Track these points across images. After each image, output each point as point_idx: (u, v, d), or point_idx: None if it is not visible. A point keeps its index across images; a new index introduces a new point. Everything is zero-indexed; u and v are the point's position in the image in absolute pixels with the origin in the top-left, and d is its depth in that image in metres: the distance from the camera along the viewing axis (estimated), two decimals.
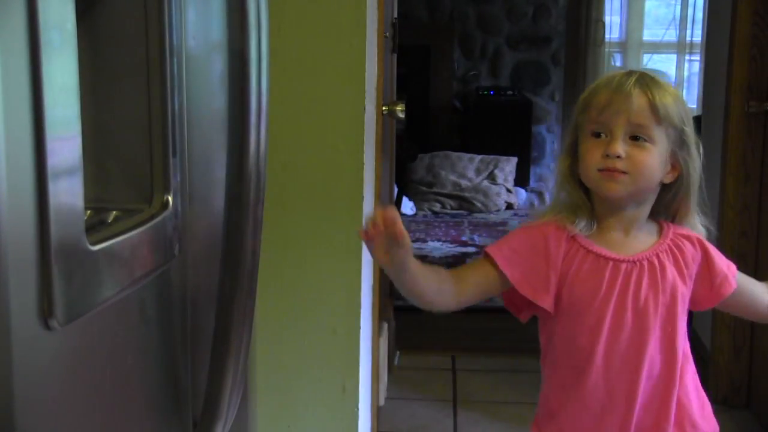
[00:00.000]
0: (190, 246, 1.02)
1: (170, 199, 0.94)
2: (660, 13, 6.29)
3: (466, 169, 6.10)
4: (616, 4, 6.26)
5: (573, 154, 1.40)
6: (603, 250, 1.37)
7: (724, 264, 1.41)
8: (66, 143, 0.72)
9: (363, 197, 1.96)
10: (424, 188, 6.04)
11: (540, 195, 6.31)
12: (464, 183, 6.03)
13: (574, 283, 1.36)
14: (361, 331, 2.03)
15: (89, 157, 0.81)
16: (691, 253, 1.38)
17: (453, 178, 6.05)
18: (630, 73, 1.35)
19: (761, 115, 2.78)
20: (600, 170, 1.33)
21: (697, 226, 1.41)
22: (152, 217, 0.90)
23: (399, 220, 1.21)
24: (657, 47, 6.15)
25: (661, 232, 1.40)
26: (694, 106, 4.41)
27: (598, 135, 1.34)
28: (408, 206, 5.84)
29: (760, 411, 2.84)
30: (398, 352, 3.33)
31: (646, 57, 6.25)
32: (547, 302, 1.36)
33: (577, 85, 6.35)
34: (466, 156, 6.18)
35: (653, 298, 1.35)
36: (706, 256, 1.39)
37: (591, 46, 6.20)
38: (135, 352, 0.90)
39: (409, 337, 3.47)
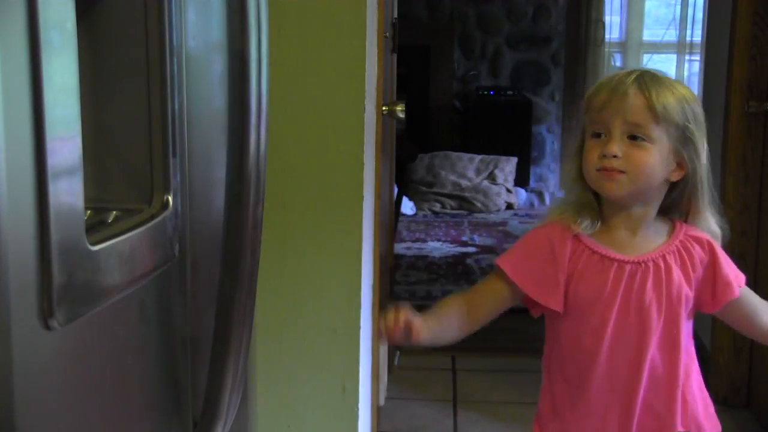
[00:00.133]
0: (190, 246, 1.02)
1: (170, 199, 0.94)
2: (660, 13, 6.28)
3: (466, 169, 6.10)
4: (616, 4, 6.26)
5: (581, 155, 1.40)
6: (608, 250, 1.37)
7: (731, 272, 1.40)
8: (66, 143, 0.72)
9: (363, 197, 1.96)
10: (424, 188, 6.04)
11: (540, 195, 6.30)
12: (464, 183, 6.03)
13: (579, 284, 1.37)
14: (361, 331, 2.03)
15: (89, 157, 0.81)
16: (699, 256, 1.38)
17: (453, 178, 6.05)
18: (631, 72, 1.35)
19: (761, 115, 2.78)
20: (598, 170, 1.33)
21: (710, 226, 1.40)
22: (152, 217, 0.90)
23: (413, 320, 1.39)
24: (657, 47, 6.15)
25: (672, 232, 1.39)
26: None
27: (598, 135, 1.35)
28: (408, 206, 5.84)
29: (760, 411, 2.84)
30: (398, 352, 3.33)
31: (646, 57, 6.25)
32: (557, 304, 1.37)
33: (577, 85, 6.35)
34: (466, 156, 6.18)
35: (657, 299, 1.35)
36: (713, 260, 1.38)
37: (591, 46, 6.20)
38: (135, 352, 0.90)
39: None
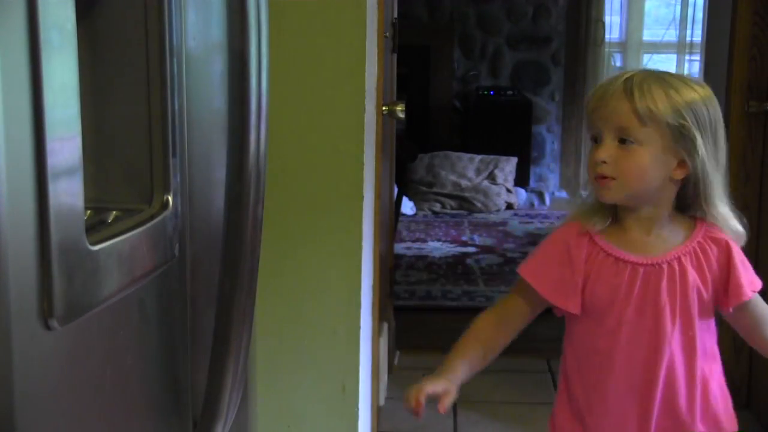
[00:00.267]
0: (190, 246, 1.02)
1: (170, 199, 0.94)
2: (660, 13, 6.29)
3: (466, 169, 6.10)
4: (616, 4, 6.26)
5: None
6: (622, 252, 1.37)
7: (746, 276, 1.39)
8: (66, 143, 0.72)
9: (363, 197, 1.96)
10: (424, 188, 6.04)
11: (540, 195, 6.31)
12: (464, 183, 6.03)
13: (594, 286, 1.38)
14: (361, 331, 2.03)
15: (89, 157, 0.81)
16: (716, 256, 1.38)
17: (453, 178, 6.05)
18: (623, 74, 1.35)
19: (761, 115, 2.78)
20: (595, 178, 1.35)
21: (731, 224, 1.40)
22: (152, 217, 0.90)
23: (436, 390, 1.44)
24: (657, 47, 6.15)
25: (692, 232, 1.39)
26: None
27: (595, 139, 1.36)
28: (408, 206, 5.84)
29: (760, 411, 2.84)
30: (398, 352, 3.33)
31: (646, 57, 6.25)
32: (575, 307, 1.39)
33: (577, 85, 6.35)
34: (466, 156, 6.18)
35: (671, 302, 1.36)
36: (728, 261, 1.38)
37: (591, 46, 6.21)
38: (135, 352, 0.90)
39: (409, 337, 3.47)
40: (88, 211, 0.82)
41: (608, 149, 1.33)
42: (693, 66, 5.55)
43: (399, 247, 4.78)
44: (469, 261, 4.69)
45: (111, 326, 0.83)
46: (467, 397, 3.08)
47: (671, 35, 5.90)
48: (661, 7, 6.29)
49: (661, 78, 1.34)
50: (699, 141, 1.33)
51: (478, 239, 5.17)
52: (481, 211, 5.89)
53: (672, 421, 1.38)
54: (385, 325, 2.91)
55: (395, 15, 3.02)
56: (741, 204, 2.81)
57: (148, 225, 0.89)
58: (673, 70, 5.68)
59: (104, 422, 0.84)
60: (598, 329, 1.39)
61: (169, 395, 1.01)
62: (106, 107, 0.91)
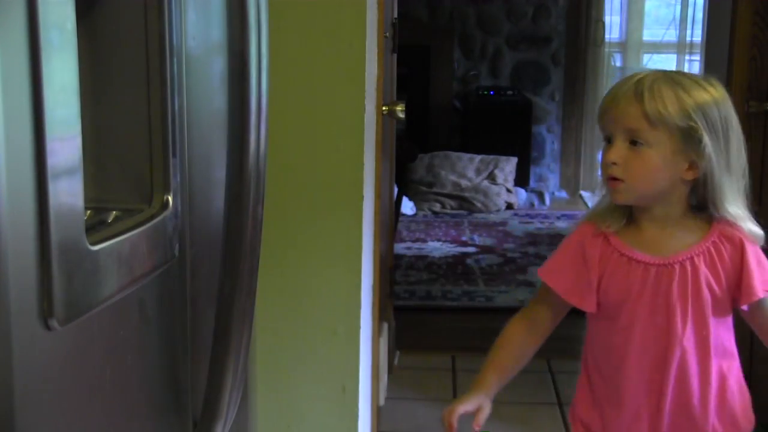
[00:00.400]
0: (190, 246, 1.02)
1: (170, 199, 0.94)
2: (660, 13, 6.28)
3: (466, 169, 6.09)
4: (616, 4, 6.26)
5: None
6: (635, 252, 1.39)
7: (760, 275, 1.39)
8: (66, 143, 0.72)
9: (363, 197, 1.96)
10: (424, 188, 6.04)
11: (540, 195, 6.30)
12: (464, 183, 6.03)
13: (608, 285, 1.41)
14: (361, 331, 2.03)
15: (89, 157, 0.81)
16: (730, 255, 1.39)
17: (453, 178, 6.05)
18: (633, 77, 1.36)
19: (761, 115, 2.78)
20: (607, 179, 1.38)
21: (746, 221, 1.40)
22: (152, 217, 0.90)
23: (467, 409, 1.47)
24: (657, 47, 6.15)
25: (707, 232, 1.40)
26: None
27: (607, 140, 1.38)
28: (408, 206, 5.83)
29: (760, 411, 2.84)
30: (398, 352, 3.33)
31: (646, 57, 6.25)
32: (591, 305, 1.42)
33: (577, 85, 6.35)
34: (466, 156, 6.17)
35: (682, 301, 1.37)
36: (741, 260, 1.38)
37: (591, 46, 6.20)
38: (135, 351, 0.90)
39: (409, 337, 3.47)
40: (88, 211, 0.82)
41: (618, 151, 1.35)
42: (693, 66, 5.55)
43: (399, 247, 4.78)
44: (469, 261, 4.69)
45: (111, 326, 0.83)
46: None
47: (671, 35, 5.90)
48: (661, 7, 6.29)
49: (672, 79, 1.35)
50: (708, 143, 1.34)
51: (478, 239, 5.17)
52: (481, 211, 5.88)
53: (686, 418, 1.41)
54: (385, 325, 2.91)
55: (395, 15, 3.02)
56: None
57: (148, 225, 0.89)
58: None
59: (104, 422, 0.84)
60: (612, 327, 1.42)
61: (169, 395, 1.01)
62: (106, 107, 0.91)
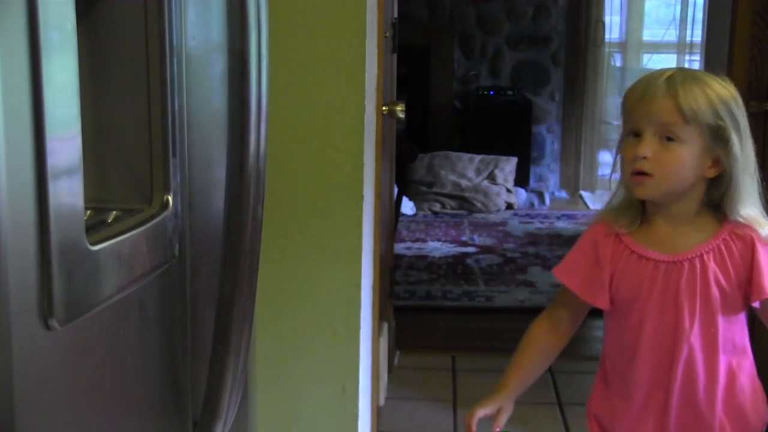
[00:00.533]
0: (190, 246, 1.02)
1: (170, 199, 0.94)
2: (660, 13, 6.29)
3: (466, 169, 6.09)
4: (616, 4, 6.26)
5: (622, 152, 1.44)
6: (646, 250, 1.41)
7: None
8: (66, 143, 0.72)
9: (363, 197, 1.96)
10: (424, 188, 6.04)
11: (540, 195, 6.30)
12: (464, 183, 6.03)
13: (619, 282, 1.43)
14: (361, 331, 2.03)
15: (89, 157, 0.81)
16: (740, 252, 1.39)
17: (453, 178, 6.05)
18: (664, 72, 1.37)
19: (761, 115, 2.78)
20: (631, 174, 1.37)
21: (759, 222, 1.41)
22: (152, 217, 0.90)
23: (486, 413, 1.50)
24: (657, 47, 6.15)
25: (719, 229, 1.41)
26: None
27: (635, 134, 1.38)
28: (408, 206, 5.83)
29: None
30: (398, 352, 3.33)
31: (646, 57, 6.25)
32: (604, 303, 1.45)
33: (577, 85, 6.35)
34: (466, 156, 6.17)
35: (690, 299, 1.39)
36: (752, 258, 1.39)
37: (591, 46, 6.20)
38: (135, 351, 0.90)
39: (409, 337, 3.47)
40: (88, 211, 0.82)
41: (650, 145, 1.35)
42: (693, 66, 5.55)
43: (399, 247, 4.78)
44: (469, 261, 4.69)
45: (111, 326, 0.83)
46: (467, 397, 3.09)
47: (671, 35, 5.90)
48: (661, 7, 6.29)
49: (699, 77, 1.37)
50: (735, 141, 1.36)
51: (478, 239, 5.17)
52: (481, 211, 5.88)
53: (693, 413, 1.42)
54: (385, 325, 2.91)
55: (395, 15, 3.02)
56: None
57: (148, 225, 0.89)
58: None
59: (104, 422, 0.84)
60: (624, 323, 1.44)
61: (169, 395, 1.01)
62: (106, 107, 0.91)
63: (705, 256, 1.39)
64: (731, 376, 1.42)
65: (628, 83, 5.98)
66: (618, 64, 6.27)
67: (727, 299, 1.39)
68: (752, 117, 2.85)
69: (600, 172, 6.29)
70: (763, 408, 1.47)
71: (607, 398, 1.51)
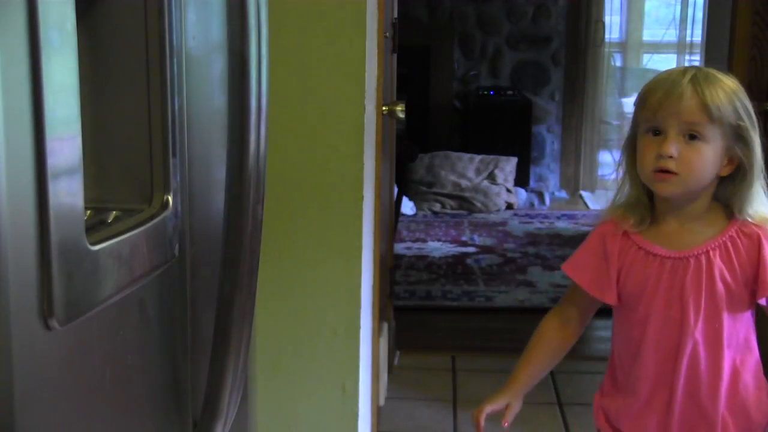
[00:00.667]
0: (190, 246, 1.02)
1: (170, 199, 0.94)
2: (660, 13, 6.29)
3: (466, 169, 6.09)
4: (616, 4, 6.26)
5: (633, 149, 1.44)
6: (653, 246, 1.43)
7: None
8: (66, 143, 0.72)
9: (363, 197, 1.96)
10: (424, 188, 6.04)
11: (540, 195, 6.30)
12: (464, 183, 6.03)
13: (626, 278, 1.45)
14: (361, 331, 2.03)
15: (89, 157, 0.81)
16: (747, 250, 1.40)
17: (453, 178, 6.05)
18: (685, 71, 1.39)
19: (761, 115, 2.78)
20: (654, 171, 1.38)
21: (766, 220, 1.42)
22: (152, 217, 0.90)
23: (494, 408, 1.52)
24: (657, 47, 6.15)
25: (726, 226, 1.42)
26: None
27: (655, 133, 1.38)
28: (408, 206, 5.83)
29: None
30: (398, 352, 3.33)
31: (646, 57, 6.25)
32: (612, 298, 1.47)
33: (577, 85, 6.35)
34: (466, 156, 6.17)
35: (695, 295, 1.40)
36: (759, 255, 1.40)
37: (591, 46, 6.20)
38: (135, 351, 0.90)
39: (409, 337, 3.47)
40: (88, 211, 0.82)
41: (676, 144, 1.36)
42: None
43: (399, 247, 4.78)
44: (469, 261, 4.69)
45: (111, 326, 0.83)
46: (467, 397, 3.09)
47: (671, 35, 5.90)
48: (661, 7, 6.29)
49: (717, 77, 1.39)
50: (754, 140, 1.38)
51: (478, 239, 5.17)
52: (481, 211, 5.88)
53: (696, 408, 1.43)
54: (385, 325, 2.91)
55: (395, 15, 3.02)
56: None
57: (148, 225, 0.89)
58: None
59: (104, 422, 0.84)
60: (631, 318, 1.46)
61: (169, 395, 1.01)
62: (106, 107, 0.91)
63: (711, 253, 1.40)
64: (735, 372, 1.43)
65: (628, 83, 5.96)
66: (618, 64, 6.27)
67: (733, 296, 1.40)
68: None
69: (600, 172, 6.29)
70: (767, 405, 1.47)
71: (613, 393, 1.52)
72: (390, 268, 3.21)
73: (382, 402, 2.82)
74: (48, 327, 0.71)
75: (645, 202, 1.44)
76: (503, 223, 5.59)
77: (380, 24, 2.13)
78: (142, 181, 0.92)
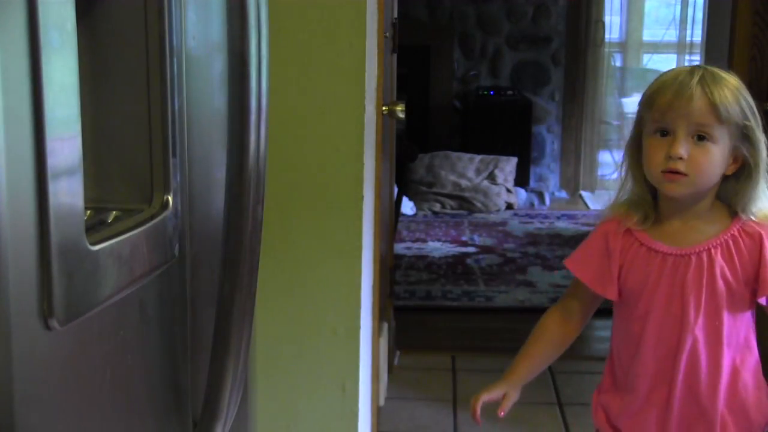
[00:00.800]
0: (190, 246, 1.02)
1: (170, 199, 0.94)
2: (660, 13, 6.29)
3: (466, 169, 6.09)
4: (616, 4, 6.26)
5: (637, 148, 1.44)
6: (655, 242, 1.43)
7: None
8: (66, 143, 0.72)
9: (363, 197, 1.96)
10: (424, 188, 6.04)
11: (540, 195, 6.30)
12: (464, 183, 6.03)
13: (628, 274, 1.45)
14: (361, 331, 2.03)
15: (89, 157, 0.81)
16: (748, 249, 1.41)
17: (453, 178, 6.05)
18: (692, 72, 1.39)
19: (761, 115, 2.78)
20: (663, 171, 1.38)
21: None
22: (152, 217, 0.90)
23: (491, 397, 1.55)
24: (657, 47, 6.15)
25: (729, 224, 1.42)
26: None
27: (663, 133, 1.38)
28: (408, 206, 5.83)
29: None
30: (398, 352, 3.33)
31: (646, 57, 6.25)
32: (613, 294, 1.48)
33: (577, 85, 6.35)
34: (466, 156, 6.17)
35: (696, 292, 1.40)
36: (761, 254, 1.40)
37: (591, 46, 6.20)
38: (135, 352, 0.90)
39: (409, 337, 3.47)
40: (88, 211, 0.82)
41: (685, 145, 1.36)
42: None
43: (399, 247, 4.78)
44: (469, 261, 4.69)
45: (111, 326, 0.83)
46: (467, 397, 3.08)
47: (671, 35, 5.90)
48: (661, 7, 6.29)
49: (723, 77, 1.40)
50: (761, 140, 1.39)
51: (478, 239, 5.17)
52: (481, 211, 5.88)
53: (695, 406, 1.43)
54: (385, 325, 2.91)
55: (395, 15, 3.02)
56: None
57: (148, 225, 0.89)
58: None
59: (104, 422, 0.84)
60: (631, 315, 1.46)
61: (169, 395, 1.01)
62: (106, 107, 0.91)
63: (713, 251, 1.40)
64: (734, 371, 1.43)
65: (628, 83, 5.95)
66: (618, 64, 6.27)
67: (733, 294, 1.40)
68: None
69: (600, 172, 6.29)
70: (766, 406, 1.47)
71: (613, 391, 1.52)
72: (390, 268, 3.21)
73: (382, 402, 2.82)
74: (48, 327, 0.71)
75: (648, 201, 1.45)
76: (503, 223, 5.59)
77: (380, 24, 2.13)
78: (142, 181, 0.92)
